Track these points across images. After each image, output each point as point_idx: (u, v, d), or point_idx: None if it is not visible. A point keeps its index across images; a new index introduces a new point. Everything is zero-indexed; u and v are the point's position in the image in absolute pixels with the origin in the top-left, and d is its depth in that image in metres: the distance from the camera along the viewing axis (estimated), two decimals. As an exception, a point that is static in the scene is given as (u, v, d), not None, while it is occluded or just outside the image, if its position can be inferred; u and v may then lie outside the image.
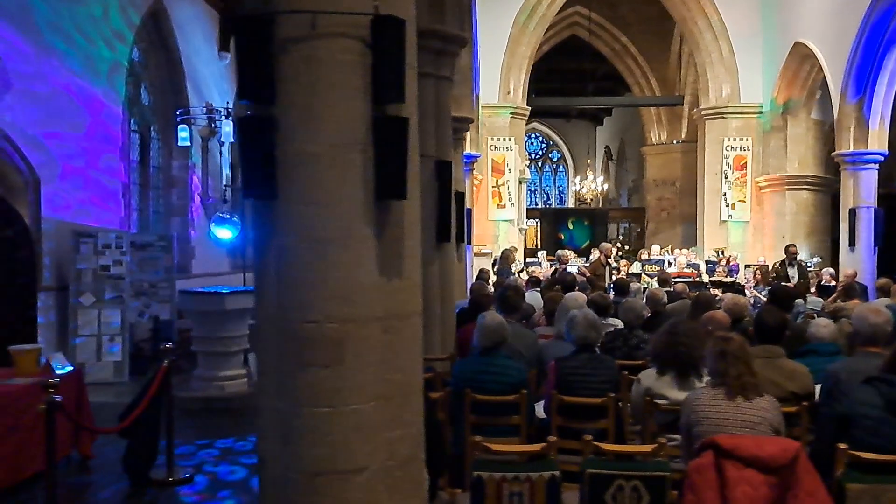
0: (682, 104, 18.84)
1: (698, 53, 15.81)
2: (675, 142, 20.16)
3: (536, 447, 3.03)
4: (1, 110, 6.96)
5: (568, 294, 5.39)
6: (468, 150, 13.64)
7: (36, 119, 7.51)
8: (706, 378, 3.37)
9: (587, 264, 12.66)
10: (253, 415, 6.43)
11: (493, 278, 11.72)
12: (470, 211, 12.98)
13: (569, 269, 11.25)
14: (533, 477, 2.81)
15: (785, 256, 11.90)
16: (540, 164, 32.42)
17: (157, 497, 4.58)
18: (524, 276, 12.04)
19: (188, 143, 9.77)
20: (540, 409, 4.12)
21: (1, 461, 4.31)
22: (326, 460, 2.38)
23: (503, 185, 15.96)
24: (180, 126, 9.54)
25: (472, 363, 4.20)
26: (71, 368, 5.22)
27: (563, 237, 23.41)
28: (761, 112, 15.29)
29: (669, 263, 13.47)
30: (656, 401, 3.56)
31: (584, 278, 9.88)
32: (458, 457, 3.84)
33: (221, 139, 11.99)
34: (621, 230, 24.40)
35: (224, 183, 11.98)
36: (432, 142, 6.13)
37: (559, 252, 13.36)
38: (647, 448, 3.05)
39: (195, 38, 11.40)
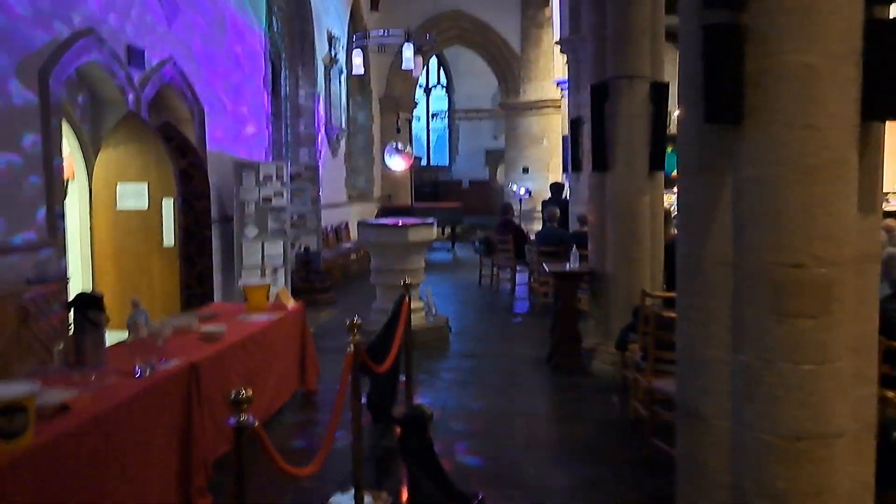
0: None
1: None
2: None
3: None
4: (169, 39, 6.72)
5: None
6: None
7: (197, 50, 7.26)
8: None
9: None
10: (441, 348, 6.55)
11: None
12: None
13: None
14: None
15: None
16: None
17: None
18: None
19: (362, 72, 9.47)
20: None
21: (265, 392, 4.25)
22: (810, 422, 2.09)
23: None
24: (356, 52, 9.23)
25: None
26: (294, 303, 5.09)
27: None
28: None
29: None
30: None
31: None
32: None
33: (342, 68, 11.63)
34: None
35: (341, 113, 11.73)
36: (646, 60, 5.62)
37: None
38: None
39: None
